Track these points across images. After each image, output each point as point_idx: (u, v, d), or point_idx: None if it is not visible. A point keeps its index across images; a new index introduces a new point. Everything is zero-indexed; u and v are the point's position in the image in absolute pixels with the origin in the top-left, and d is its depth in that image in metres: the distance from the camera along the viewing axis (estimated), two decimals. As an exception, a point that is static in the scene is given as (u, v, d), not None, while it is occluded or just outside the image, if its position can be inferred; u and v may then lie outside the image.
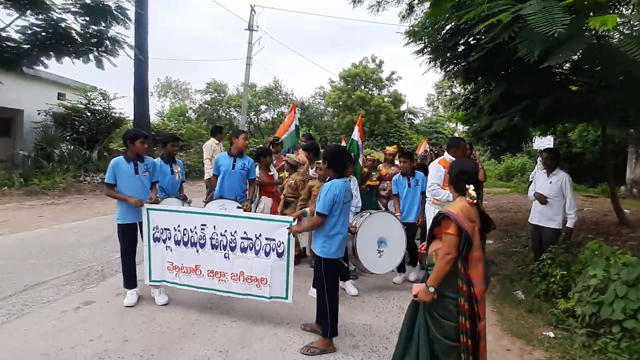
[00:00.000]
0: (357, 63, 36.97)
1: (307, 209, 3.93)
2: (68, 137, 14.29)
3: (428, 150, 15.21)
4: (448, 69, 7.96)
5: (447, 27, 6.80)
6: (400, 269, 5.13)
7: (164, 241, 3.95)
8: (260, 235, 3.69)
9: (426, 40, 7.42)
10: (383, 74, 37.60)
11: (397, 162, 6.34)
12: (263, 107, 37.22)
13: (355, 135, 6.41)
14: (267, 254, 3.68)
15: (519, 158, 19.64)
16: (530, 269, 5.10)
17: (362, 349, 3.40)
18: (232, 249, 3.78)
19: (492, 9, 3.57)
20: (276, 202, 5.82)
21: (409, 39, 8.35)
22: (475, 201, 2.49)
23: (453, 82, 10.48)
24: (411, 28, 9.52)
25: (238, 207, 4.56)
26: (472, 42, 6.32)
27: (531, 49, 3.38)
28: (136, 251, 4.09)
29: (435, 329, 2.43)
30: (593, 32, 3.06)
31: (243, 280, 3.76)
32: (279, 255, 3.63)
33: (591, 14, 3.44)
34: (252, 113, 33.47)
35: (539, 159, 11.86)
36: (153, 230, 3.96)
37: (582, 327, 3.68)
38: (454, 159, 4.49)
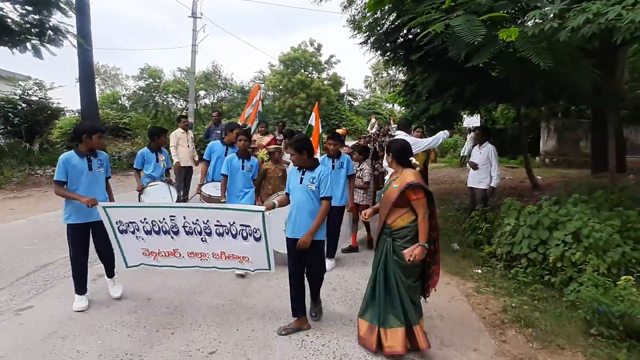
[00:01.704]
0: (295, 47, 37.38)
1: (275, 201, 3.81)
2: (2, 130, 13.68)
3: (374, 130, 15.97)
4: (389, 57, 8.99)
5: (388, 23, 7.77)
6: (330, 254, 4.96)
7: (133, 232, 3.71)
8: (234, 222, 3.61)
9: (369, 33, 8.37)
10: (322, 57, 38.38)
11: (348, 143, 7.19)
12: (202, 93, 36.65)
13: (312, 120, 7.22)
14: (244, 237, 3.62)
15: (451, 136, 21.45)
16: (463, 227, 6.31)
17: (340, 291, 4.34)
18: (208, 234, 3.67)
19: (428, 18, 4.55)
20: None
21: (354, 31, 9.27)
22: (418, 168, 3.38)
23: (390, 65, 11.52)
24: (352, 17, 10.41)
25: None
26: (410, 37, 7.31)
27: (459, 52, 4.40)
28: (88, 255, 3.87)
29: (405, 276, 3.04)
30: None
31: (225, 258, 3.73)
32: (257, 239, 3.60)
33: (505, 23, 4.54)
34: (191, 98, 32.91)
35: (470, 135, 13.42)
36: (117, 224, 3.69)
37: (500, 263, 4.87)
38: (408, 135, 5.30)
